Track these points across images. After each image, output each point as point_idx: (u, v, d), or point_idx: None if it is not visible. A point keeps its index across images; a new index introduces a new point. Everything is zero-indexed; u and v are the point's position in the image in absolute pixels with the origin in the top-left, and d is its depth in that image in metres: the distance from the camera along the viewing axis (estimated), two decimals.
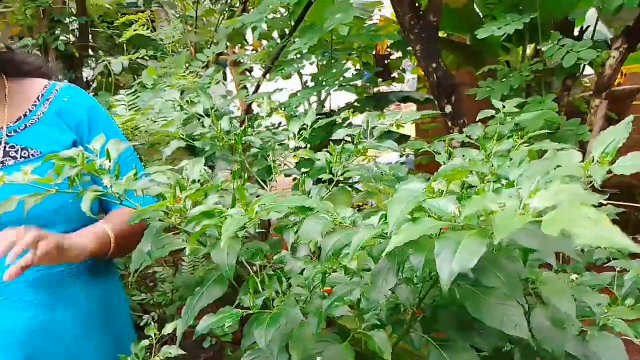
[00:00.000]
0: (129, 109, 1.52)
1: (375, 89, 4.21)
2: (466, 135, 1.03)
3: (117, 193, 0.64)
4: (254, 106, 2.84)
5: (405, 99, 3.60)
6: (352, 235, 0.53)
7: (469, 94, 2.02)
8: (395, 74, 4.12)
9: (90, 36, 4.22)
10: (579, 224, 0.33)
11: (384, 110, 3.74)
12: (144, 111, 1.36)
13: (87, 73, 3.84)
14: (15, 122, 1.00)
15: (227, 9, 3.27)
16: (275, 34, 3.18)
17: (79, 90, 1.12)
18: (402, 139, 3.54)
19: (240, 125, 2.64)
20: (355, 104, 2.79)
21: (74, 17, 3.39)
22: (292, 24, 2.44)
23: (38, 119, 1.02)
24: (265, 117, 1.13)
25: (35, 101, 1.04)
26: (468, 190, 0.72)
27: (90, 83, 3.71)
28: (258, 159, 1.08)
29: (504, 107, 1.04)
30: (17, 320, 0.90)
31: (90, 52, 3.83)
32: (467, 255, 0.40)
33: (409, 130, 5.05)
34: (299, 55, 2.19)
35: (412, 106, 4.60)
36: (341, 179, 1.01)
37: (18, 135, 0.99)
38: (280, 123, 2.60)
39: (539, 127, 1.67)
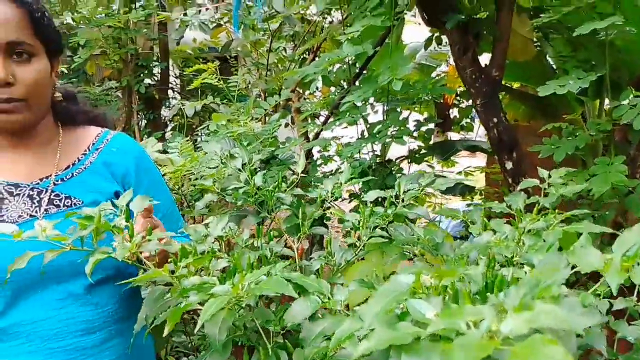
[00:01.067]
0: (184, 155, 1.58)
1: (444, 137, 4.12)
2: (507, 206, 0.97)
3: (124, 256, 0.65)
4: (315, 152, 2.88)
5: (473, 148, 3.49)
6: (338, 325, 0.50)
7: (532, 150, 1.91)
8: (464, 122, 4.03)
9: (175, 79, 4.54)
10: None
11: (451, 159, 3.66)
12: (192, 161, 1.41)
13: (166, 113, 4.12)
14: (64, 170, 1.03)
15: (298, 57, 3.39)
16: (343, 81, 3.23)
17: (129, 141, 1.15)
18: (466, 189, 3.42)
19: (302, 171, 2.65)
20: (422, 151, 2.74)
21: (156, 62, 3.65)
22: (356, 72, 2.47)
23: (85, 168, 1.05)
24: (300, 172, 1.13)
25: (86, 150, 1.07)
26: (496, 274, 0.66)
27: (168, 123, 3.97)
28: (290, 216, 1.07)
29: (549, 176, 0.96)
30: None
31: (170, 94, 4.11)
32: None
33: (479, 179, 4.88)
34: (360, 104, 2.20)
35: (481, 155, 4.47)
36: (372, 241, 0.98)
37: (64, 183, 1.02)
38: (338, 169, 2.61)
39: (605, 192, 1.54)
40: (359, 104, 2.10)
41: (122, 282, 0.68)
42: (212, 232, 0.87)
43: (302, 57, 3.71)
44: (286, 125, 3.18)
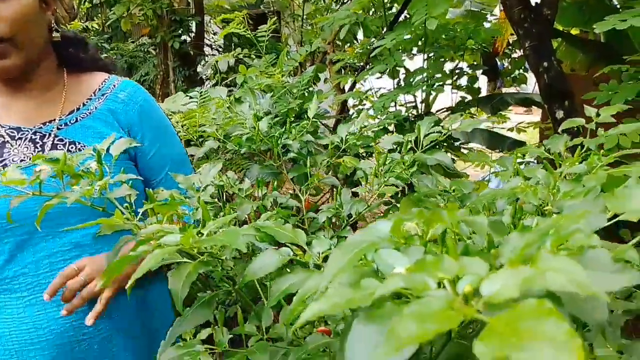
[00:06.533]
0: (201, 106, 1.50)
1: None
2: (545, 150, 0.83)
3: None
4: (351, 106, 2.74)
5: (526, 100, 3.25)
6: (306, 282, 0.41)
7: (586, 98, 1.71)
8: (516, 74, 3.75)
9: (213, 35, 4.45)
10: (529, 347, 0.18)
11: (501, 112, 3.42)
12: (202, 109, 1.32)
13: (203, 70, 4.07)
14: (68, 115, 0.99)
15: (335, 5, 3.20)
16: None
17: (136, 88, 1.09)
18: (516, 144, 3.20)
19: (334, 127, 2.54)
20: (468, 105, 2.54)
21: (190, 17, 3.56)
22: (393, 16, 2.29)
23: (90, 113, 1.00)
24: (312, 117, 1.02)
25: (91, 95, 1.03)
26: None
27: (205, 80, 3.91)
28: (298, 164, 0.97)
29: (598, 115, 0.81)
30: (51, 320, 0.90)
31: (209, 52, 4.04)
32: (388, 353, 0.25)
33: (533, 135, 4.58)
34: (399, 49, 2.02)
35: (538, 112, 4.18)
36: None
37: (68, 128, 0.97)
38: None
39: None
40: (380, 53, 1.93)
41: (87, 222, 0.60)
42: (202, 179, 0.78)
43: (340, 4, 3.52)
44: (325, 80, 3.04)
